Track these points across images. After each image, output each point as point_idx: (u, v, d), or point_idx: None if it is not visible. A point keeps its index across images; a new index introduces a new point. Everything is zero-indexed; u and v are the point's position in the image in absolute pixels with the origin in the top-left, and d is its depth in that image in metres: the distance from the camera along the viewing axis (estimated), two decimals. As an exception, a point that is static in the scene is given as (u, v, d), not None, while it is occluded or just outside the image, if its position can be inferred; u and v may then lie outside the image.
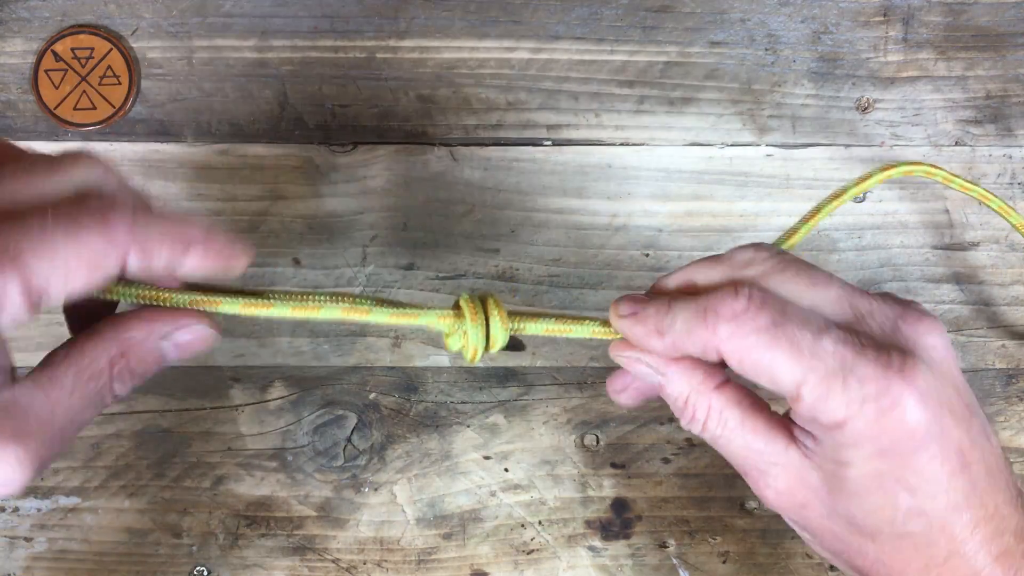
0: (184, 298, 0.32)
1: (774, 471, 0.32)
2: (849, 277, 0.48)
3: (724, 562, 0.48)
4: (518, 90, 0.48)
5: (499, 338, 0.35)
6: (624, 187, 0.48)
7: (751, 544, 0.48)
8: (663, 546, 0.48)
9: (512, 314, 0.36)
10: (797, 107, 0.48)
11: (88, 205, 0.28)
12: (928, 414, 0.29)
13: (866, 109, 0.49)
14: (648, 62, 0.48)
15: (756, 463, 0.33)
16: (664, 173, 0.48)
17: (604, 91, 0.48)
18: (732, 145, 0.48)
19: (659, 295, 0.34)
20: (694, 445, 0.48)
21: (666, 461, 0.48)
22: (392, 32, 0.48)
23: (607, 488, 0.48)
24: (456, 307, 0.35)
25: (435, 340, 0.48)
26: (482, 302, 0.35)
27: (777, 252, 0.33)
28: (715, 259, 0.33)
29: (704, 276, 0.33)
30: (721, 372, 0.33)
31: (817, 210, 0.38)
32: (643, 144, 0.48)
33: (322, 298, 0.34)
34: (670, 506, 0.48)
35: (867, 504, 0.31)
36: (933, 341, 0.31)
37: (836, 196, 0.38)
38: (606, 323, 0.36)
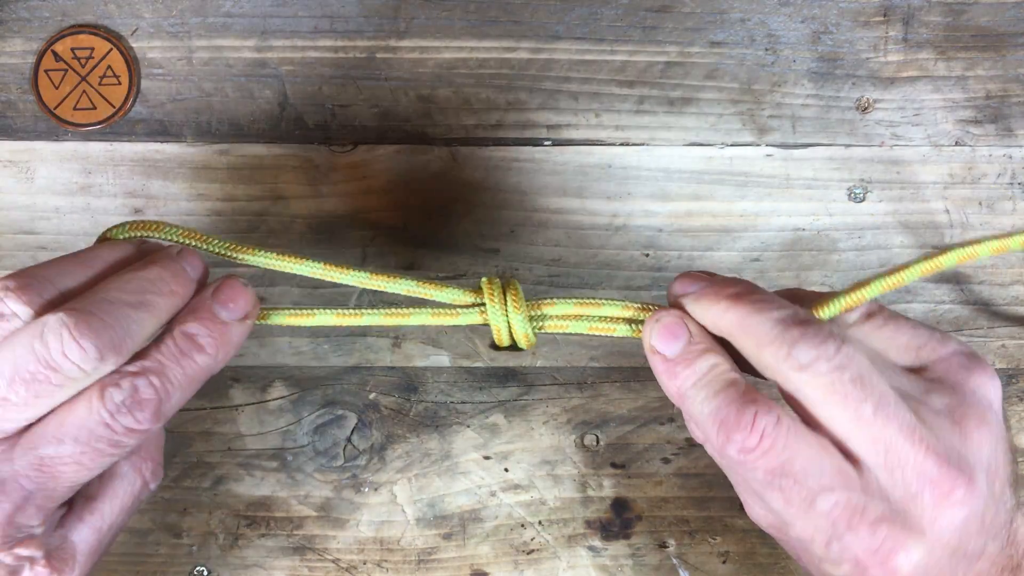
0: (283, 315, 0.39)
1: (756, 506, 0.34)
2: (849, 277, 0.48)
3: (724, 562, 0.48)
4: (518, 90, 0.48)
5: (518, 327, 0.37)
6: (624, 187, 0.48)
7: (751, 544, 0.48)
8: (663, 546, 0.48)
9: (535, 302, 0.38)
10: (797, 107, 0.48)
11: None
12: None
13: (866, 109, 0.49)
14: (648, 62, 0.48)
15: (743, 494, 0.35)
16: (664, 173, 0.48)
17: (604, 91, 0.48)
18: (732, 145, 0.48)
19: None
20: (694, 445, 0.48)
21: (666, 461, 0.48)
22: (392, 32, 0.48)
23: (607, 488, 0.48)
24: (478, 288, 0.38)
25: (435, 340, 0.48)
26: (502, 286, 0.38)
27: (838, 364, 0.31)
28: (780, 330, 0.32)
29: (759, 337, 0.32)
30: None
31: (899, 275, 0.36)
32: (643, 144, 0.48)
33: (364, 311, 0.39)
34: (670, 506, 0.48)
35: None
36: (954, 518, 0.30)
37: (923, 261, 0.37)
38: (629, 307, 0.38)
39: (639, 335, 0.37)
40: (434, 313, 0.38)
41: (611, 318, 0.38)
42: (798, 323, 0.31)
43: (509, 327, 0.37)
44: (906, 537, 0.29)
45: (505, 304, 0.37)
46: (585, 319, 0.38)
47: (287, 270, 0.38)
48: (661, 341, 0.34)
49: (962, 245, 0.36)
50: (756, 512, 0.34)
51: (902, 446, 0.30)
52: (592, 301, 0.38)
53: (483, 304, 0.38)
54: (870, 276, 0.36)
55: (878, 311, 0.33)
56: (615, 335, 0.38)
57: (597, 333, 0.38)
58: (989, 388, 0.32)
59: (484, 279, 0.38)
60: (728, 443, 0.31)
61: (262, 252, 0.38)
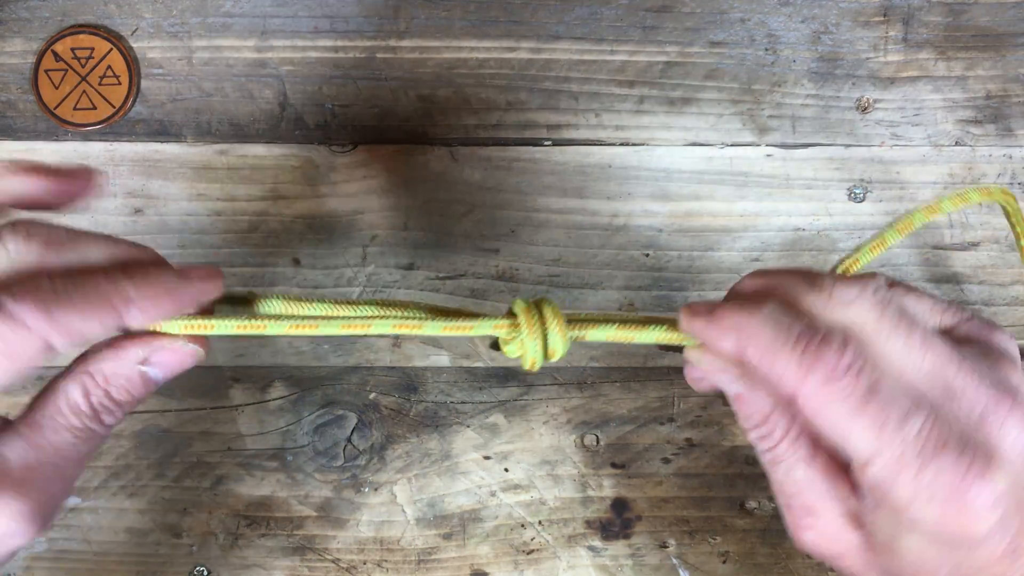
0: (230, 323, 0.33)
1: (825, 516, 0.31)
2: (849, 277, 0.48)
3: (724, 562, 0.48)
4: (518, 90, 0.48)
5: (559, 348, 0.34)
6: (624, 187, 0.48)
7: (751, 544, 0.48)
8: (663, 546, 0.48)
9: (572, 321, 0.34)
10: (797, 107, 0.48)
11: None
12: (998, 521, 0.28)
13: (866, 109, 0.49)
14: (648, 62, 0.48)
15: (808, 501, 0.32)
16: (664, 173, 0.48)
17: (604, 91, 0.48)
18: (732, 145, 0.48)
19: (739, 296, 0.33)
20: (694, 445, 0.48)
21: (666, 461, 0.48)
22: (392, 32, 0.48)
23: (607, 488, 0.48)
24: (511, 314, 0.34)
25: (435, 340, 0.48)
26: (539, 310, 0.34)
27: (881, 298, 0.30)
28: (814, 281, 0.31)
29: (797, 294, 0.31)
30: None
31: (882, 237, 0.36)
32: (643, 144, 0.48)
33: (369, 310, 0.34)
34: (670, 506, 0.48)
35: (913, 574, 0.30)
36: (1019, 440, 0.29)
37: (905, 221, 0.37)
38: (674, 325, 0.34)
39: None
40: (448, 327, 0.34)
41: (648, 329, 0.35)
42: (829, 274, 0.32)
43: (546, 355, 0.35)
44: (985, 465, 0.28)
45: (545, 338, 0.34)
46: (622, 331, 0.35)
47: (303, 335, 0.35)
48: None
49: (927, 206, 0.37)
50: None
51: (955, 375, 0.30)
52: (632, 320, 0.35)
53: (520, 337, 0.34)
54: (851, 252, 0.36)
55: (898, 282, 0.33)
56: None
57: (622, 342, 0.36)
58: (1011, 344, 0.32)
59: (519, 307, 0.34)
60: (814, 371, 0.29)
61: (276, 323, 0.33)
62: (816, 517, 0.31)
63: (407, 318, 0.33)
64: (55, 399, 0.30)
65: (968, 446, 0.29)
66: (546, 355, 0.34)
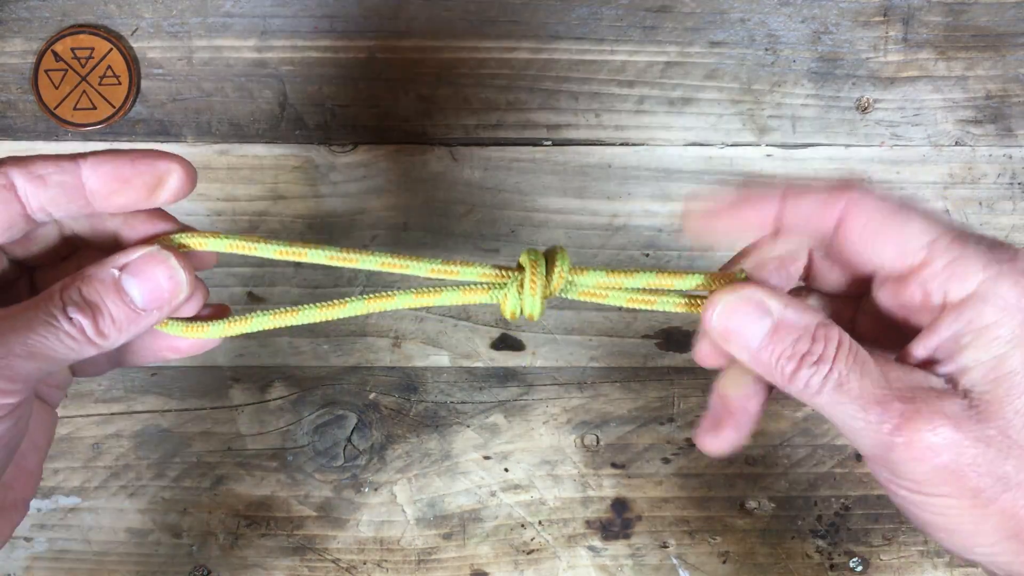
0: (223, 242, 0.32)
1: (929, 406, 0.27)
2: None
3: (724, 562, 0.48)
4: (518, 90, 0.48)
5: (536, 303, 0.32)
6: (624, 187, 0.48)
7: (751, 544, 0.48)
8: (663, 546, 0.48)
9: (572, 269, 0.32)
10: (797, 107, 0.48)
11: None
12: None
13: (866, 109, 0.49)
14: (648, 62, 0.48)
15: (904, 400, 0.27)
16: (664, 173, 0.48)
17: (604, 91, 0.48)
18: (732, 145, 0.48)
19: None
20: (694, 445, 0.48)
21: (666, 461, 0.48)
22: (392, 32, 0.48)
23: (607, 488, 0.48)
24: (501, 268, 0.32)
25: (435, 340, 0.48)
26: (547, 259, 0.32)
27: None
28: (831, 187, 0.30)
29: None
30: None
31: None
32: (643, 144, 0.48)
33: (362, 254, 0.33)
34: (670, 506, 0.48)
35: None
36: None
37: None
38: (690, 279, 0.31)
39: (694, 309, 0.31)
40: (419, 293, 0.33)
41: (650, 290, 0.32)
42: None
43: (542, 298, 0.32)
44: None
45: (549, 276, 0.32)
46: (623, 290, 0.32)
47: (297, 259, 0.35)
48: (735, 325, 0.29)
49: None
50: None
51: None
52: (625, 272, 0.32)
53: (505, 282, 0.32)
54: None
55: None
56: (659, 309, 0.32)
57: (638, 307, 0.32)
58: None
59: (525, 253, 0.32)
60: (850, 185, 0.28)
61: (271, 244, 0.34)
62: (929, 419, 0.27)
63: (397, 260, 0.33)
64: (39, 289, 0.30)
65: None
66: (528, 308, 0.32)
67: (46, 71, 0.47)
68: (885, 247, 0.28)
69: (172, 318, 0.32)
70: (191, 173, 0.31)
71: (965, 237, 0.28)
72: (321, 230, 0.48)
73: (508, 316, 0.32)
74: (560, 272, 0.32)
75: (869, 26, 0.49)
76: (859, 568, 0.48)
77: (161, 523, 0.47)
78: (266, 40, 0.48)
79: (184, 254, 0.31)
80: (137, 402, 0.47)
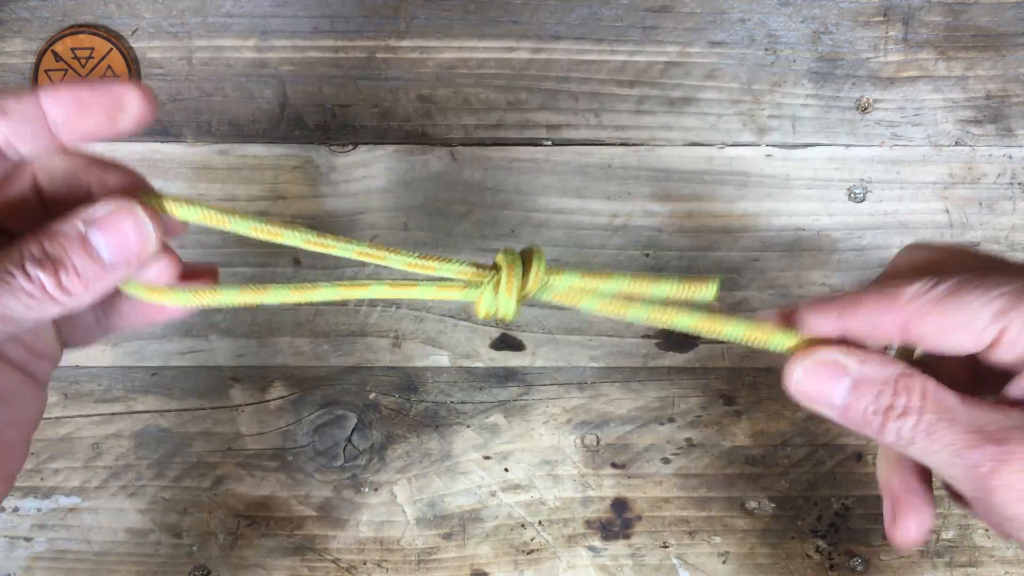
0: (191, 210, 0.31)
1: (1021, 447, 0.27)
2: (849, 277, 0.48)
3: (724, 562, 0.48)
4: (518, 90, 0.48)
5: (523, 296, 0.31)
6: (624, 187, 0.48)
7: (751, 544, 0.48)
8: (663, 546, 0.48)
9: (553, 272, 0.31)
10: (797, 107, 0.48)
11: None
12: None
13: (866, 109, 0.49)
14: (648, 62, 0.48)
15: (996, 440, 0.27)
16: (664, 173, 0.48)
17: (604, 91, 0.48)
18: (732, 145, 0.48)
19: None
20: (694, 445, 0.48)
21: (666, 461, 0.48)
22: (392, 32, 0.48)
23: (607, 488, 0.48)
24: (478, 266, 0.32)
25: (435, 340, 0.48)
26: (524, 260, 0.31)
27: (944, 287, 0.29)
28: (879, 295, 0.29)
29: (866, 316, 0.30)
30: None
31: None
32: (643, 144, 0.48)
33: (345, 242, 0.33)
34: (670, 506, 0.48)
35: None
36: None
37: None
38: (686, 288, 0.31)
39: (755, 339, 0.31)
40: (393, 284, 0.32)
41: (627, 297, 0.31)
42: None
43: (516, 298, 0.31)
44: None
45: (524, 277, 0.31)
46: (596, 295, 0.31)
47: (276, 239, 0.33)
48: (817, 389, 0.30)
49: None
50: None
51: None
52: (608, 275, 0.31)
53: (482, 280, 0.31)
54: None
55: None
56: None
57: (627, 315, 0.31)
58: None
59: (501, 253, 0.32)
60: (904, 288, 0.28)
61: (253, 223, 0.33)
62: (1018, 459, 0.27)
63: (374, 250, 0.32)
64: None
65: None
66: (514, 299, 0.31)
67: (46, 71, 0.47)
68: (959, 339, 0.28)
69: (139, 284, 0.31)
70: (150, 97, 0.30)
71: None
72: (321, 230, 0.48)
73: (482, 316, 0.32)
74: (536, 273, 0.31)
75: (869, 26, 0.49)
76: (859, 568, 0.48)
77: (161, 523, 0.47)
78: (266, 40, 0.48)
79: (154, 213, 0.30)
80: (137, 402, 0.47)
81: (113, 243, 0.29)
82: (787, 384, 0.31)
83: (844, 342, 0.30)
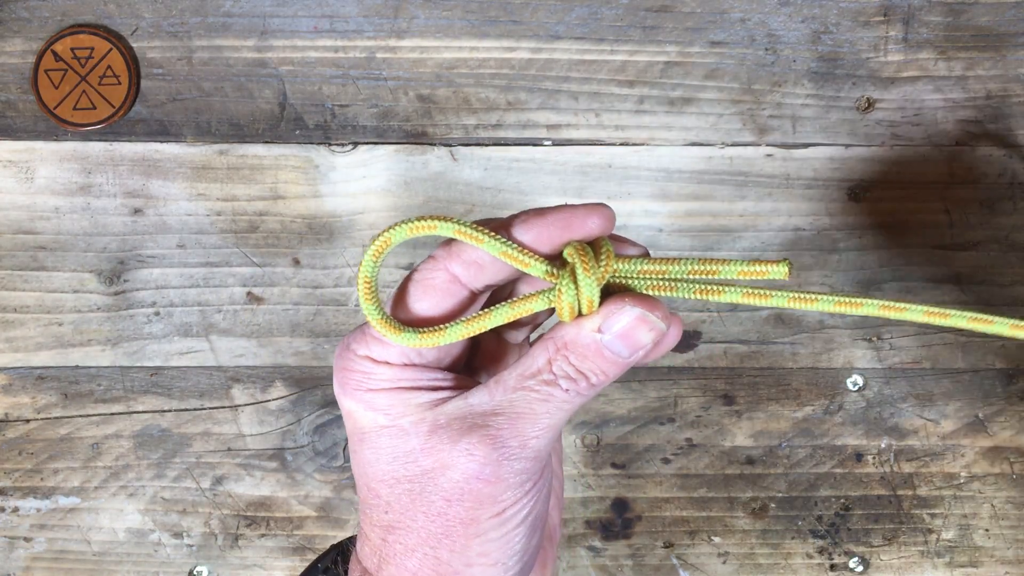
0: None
1: None
2: (849, 277, 0.48)
3: (724, 562, 0.48)
4: (518, 90, 0.48)
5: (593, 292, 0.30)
6: (624, 187, 0.48)
7: (751, 544, 0.48)
8: (663, 546, 0.48)
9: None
10: (797, 107, 0.48)
11: None
12: None
13: (866, 109, 0.49)
14: (648, 62, 0.48)
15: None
16: (664, 173, 0.48)
17: (604, 91, 0.48)
18: (732, 145, 0.48)
19: None
20: (694, 445, 0.48)
21: (666, 461, 0.48)
22: (392, 32, 0.48)
23: (607, 488, 0.48)
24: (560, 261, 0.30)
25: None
26: (593, 249, 0.30)
27: None
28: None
29: None
30: None
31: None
32: (643, 144, 0.48)
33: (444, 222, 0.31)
34: (670, 506, 0.48)
35: None
36: None
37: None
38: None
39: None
40: (506, 253, 0.30)
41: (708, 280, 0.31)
42: None
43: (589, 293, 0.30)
44: None
45: (597, 265, 0.30)
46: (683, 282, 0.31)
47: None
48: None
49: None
50: None
51: None
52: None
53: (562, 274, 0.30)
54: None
55: None
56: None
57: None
58: None
59: (569, 247, 0.31)
60: None
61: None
62: None
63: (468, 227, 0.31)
64: (521, 361, 0.31)
65: None
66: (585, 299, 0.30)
67: (46, 71, 0.47)
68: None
69: (406, 327, 0.30)
70: (610, 218, 0.31)
71: None
72: (321, 230, 0.48)
73: (567, 316, 0.31)
74: (607, 254, 0.30)
75: (869, 26, 0.49)
76: (859, 568, 0.48)
77: (161, 523, 0.47)
78: (266, 40, 0.48)
79: (653, 301, 0.30)
80: (137, 402, 0.47)
81: (628, 344, 0.30)
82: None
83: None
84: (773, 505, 0.48)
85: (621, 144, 0.48)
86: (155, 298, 0.47)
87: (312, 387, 0.48)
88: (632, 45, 0.48)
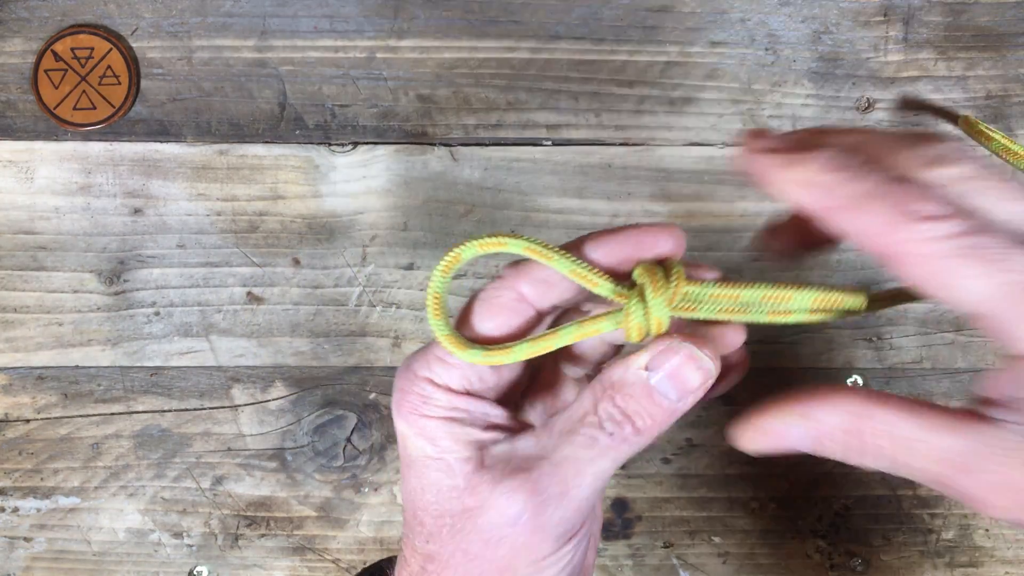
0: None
1: (982, 465, 0.26)
2: (849, 277, 0.48)
3: (724, 562, 0.48)
4: (518, 90, 0.48)
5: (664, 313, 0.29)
6: (624, 187, 0.48)
7: (751, 544, 0.48)
8: (663, 546, 0.48)
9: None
10: (797, 107, 0.48)
11: None
12: None
13: (866, 109, 0.49)
14: (648, 62, 0.48)
15: (954, 466, 0.27)
16: (664, 173, 0.48)
17: (604, 91, 0.48)
18: (732, 145, 0.48)
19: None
20: (694, 445, 0.48)
21: (666, 461, 0.48)
22: (392, 32, 0.48)
23: (607, 488, 0.48)
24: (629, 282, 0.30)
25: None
26: (665, 270, 0.29)
27: (975, 158, 0.26)
28: (897, 140, 0.27)
29: (882, 149, 0.26)
30: (867, 396, 0.29)
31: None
32: (643, 144, 0.48)
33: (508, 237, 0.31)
34: (670, 506, 0.48)
35: None
36: None
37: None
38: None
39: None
40: (576, 272, 0.29)
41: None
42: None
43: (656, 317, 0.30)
44: None
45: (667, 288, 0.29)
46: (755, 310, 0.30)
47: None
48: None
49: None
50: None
51: None
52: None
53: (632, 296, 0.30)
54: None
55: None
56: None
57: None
58: None
59: (639, 267, 0.30)
60: (915, 219, 0.25)
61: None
62: (979, 473, 0.26)
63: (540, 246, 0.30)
64: (570, 406, 0.30)
65: None
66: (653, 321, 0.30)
67: (46, 71, 0.47)
68: (943, 293, 0.26)
69: (469, 343, 0.30)
70: (680, 238, 0.30)
71: None
72: (321, 230, 0.48)
73: (636, 337, 0.30)
74: (678, 276, 0.29)
75: (869, 26, 0.49)
76: (859, 568, 0.48)
77: (161, 523, 0.47)
78: (266, 40, 0.48)
79: (708, 342, 0.29)
80: (137, 402, 0.47)
81: (678, 386, 0.29)
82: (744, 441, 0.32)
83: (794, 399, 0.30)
84: (773, 505, 0.48)
85: (621, 144, 0.48)
86: (155, 298, 0.47)
87: (312, 387, 0.48)
88: (632, 45, 0.48)
